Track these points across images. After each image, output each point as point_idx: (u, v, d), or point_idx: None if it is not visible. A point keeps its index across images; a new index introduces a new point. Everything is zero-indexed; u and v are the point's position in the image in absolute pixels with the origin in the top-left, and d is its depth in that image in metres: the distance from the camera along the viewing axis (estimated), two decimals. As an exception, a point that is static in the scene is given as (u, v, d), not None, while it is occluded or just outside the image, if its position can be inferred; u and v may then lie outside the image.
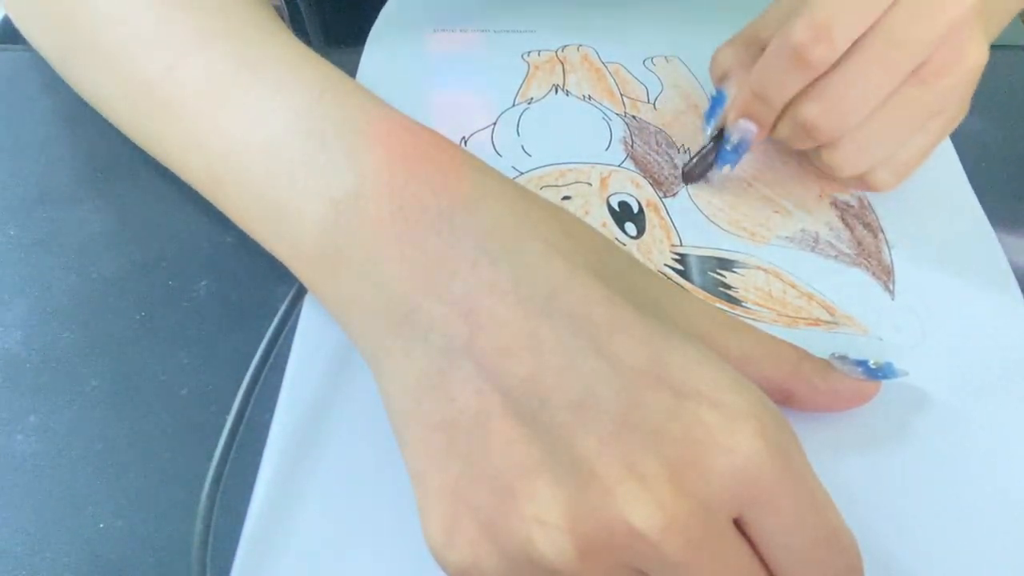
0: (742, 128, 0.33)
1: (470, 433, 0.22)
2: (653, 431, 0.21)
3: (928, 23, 0.28)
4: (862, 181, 0.33)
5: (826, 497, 0.22)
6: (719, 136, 0.34)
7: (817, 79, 0.30)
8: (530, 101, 0.39)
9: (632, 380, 0.22)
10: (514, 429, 0.22)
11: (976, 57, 0.29)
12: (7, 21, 0.38)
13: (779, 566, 0.22)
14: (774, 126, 0.33)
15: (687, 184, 0.36)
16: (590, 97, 0.39)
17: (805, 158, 0.36)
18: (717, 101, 0.34)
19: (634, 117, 0.38)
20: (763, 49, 0.32)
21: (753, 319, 0.31)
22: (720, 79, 0.35)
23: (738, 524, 0.22)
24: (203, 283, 0.32)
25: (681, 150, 0.37)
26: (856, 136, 0.31)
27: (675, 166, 0.36)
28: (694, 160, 0.35)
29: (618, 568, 0.21)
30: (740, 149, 0.34)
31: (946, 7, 0.28)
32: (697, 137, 0.38)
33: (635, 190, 0.35)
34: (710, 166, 0.35)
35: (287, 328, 0.28)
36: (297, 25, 0.51)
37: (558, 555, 0.21)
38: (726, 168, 0.34)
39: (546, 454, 0.21)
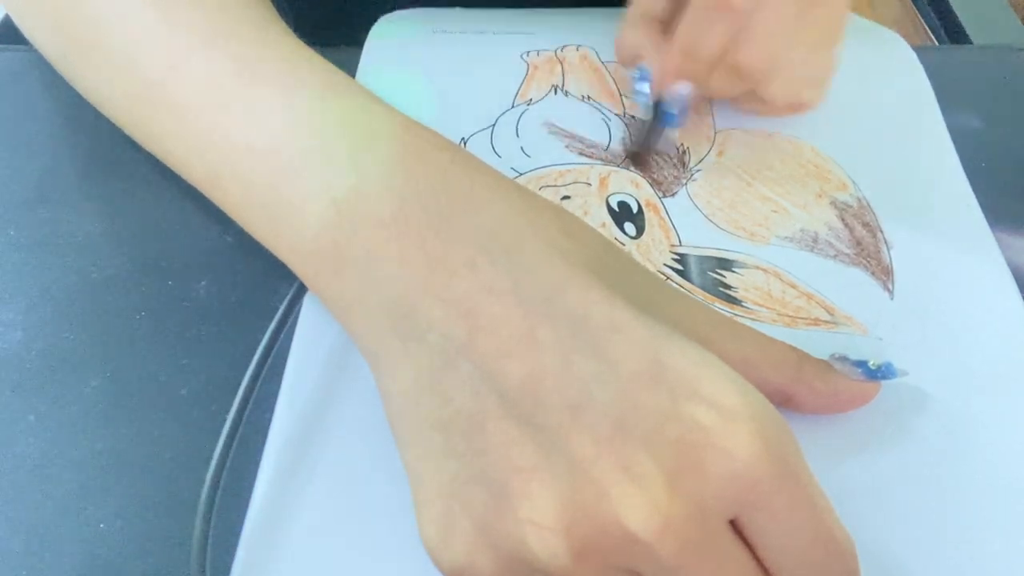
0: (679, 91, 0.35)
1: (467, 433, 0.22)
2: (650, 433, 0.21)
3: None
4: (795, 107, 0.37)
5: (824, 500, 0.22)
6: (654, 111, 0.36)
7: (742, 26, 0.33)
8: (529, 102, 0.39)
9: (630, 382, 0.21)
10: (511, 430, 0.22)
11: None
12: (7, 21, 0.38)
13: (776, 569, 0.22)
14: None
15: (636, 166, 0.36)
16: (589, 98, 0.39)
17: (804, 157, 0.36)
18: (642, 77, 0.36)
19: (633, 117, 0.38)
20: (661, 22, 0.36)
21: (753, 319, 0.31)
22: (631, 59, 0.37)
23: (735, 526, 0.22)
24: (203, 283, 0.32)
25: (680, 149, 0.37)
26: (784, 65, 0.34)
27: (675, 165, 0.36)
28: (638, 141, 0.37)
29: (612, 570, 0.21)
30: (683, 111, 0.35)
31: None
32: (697, 136, 0.38)
33: (634, 190, 0.35)
34: (653, 141, 0.36)
35: (286, 328, 0.28)
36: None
37: (552, 557, 0.21)
38: (673, 132, 0.36)
39: (542, 455, 0.21)
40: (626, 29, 0.37)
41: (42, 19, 0.34)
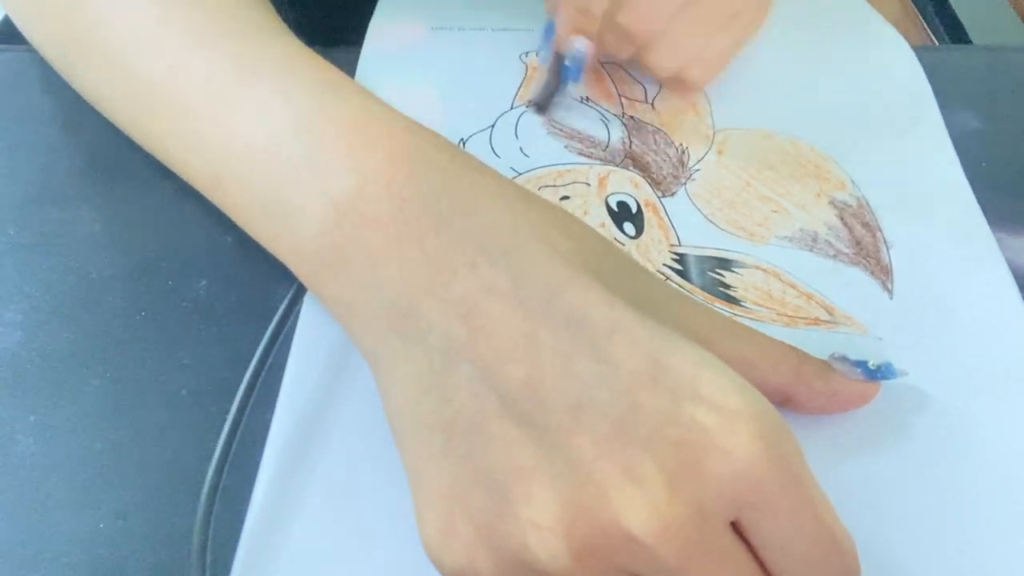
0: (575, 43, 0.36)
1: (467, 435, 0.22)
2: (651, 434, 0.21)
3: None
4: (679, 80, 0.37)
5: (824, 500, 0.22)
6: (556, 63, 0.37)
7: None
8: (528, 104, 0.39)
9: (630, 383, 0.21)
10: (511, 431, 0.22)
11: None
12: (7, 21, 0.38)
13: (777, 569, 0.22)
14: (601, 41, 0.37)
15: (538, 114, 0.38)
16: (587, 99, 0.39)
17: (803, 157, 0.36)
18: (548, 30, 0.38)
19: (632, 117, 0.38)
20: None
21: (752, 319, 0.31)
22: (551, 11, 0.38)
23: (736, 527, 0.22)
24: (203, 283, 0.32)
25: (680, 149, 0.37)
26: (666, 36, 0.36)
27: (674, 165, 0.36)
28: (539, 90, 0.38)
29: (613, 571, 0.21)
30: (578, 63, 0.37)
31: None
32: (696, 136, 0.38)
33: (634, 190, 0.35)
34: (554, 91, 0.38)
35: (287, 328, 0.28)
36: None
37: (552, 558, 0.21)
38: (571, 85, 0.38)
39: (543, 457, 0.21)
40: None
41: (42, 19, 0.34)
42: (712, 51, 0.37)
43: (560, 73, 0.37)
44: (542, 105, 0.38)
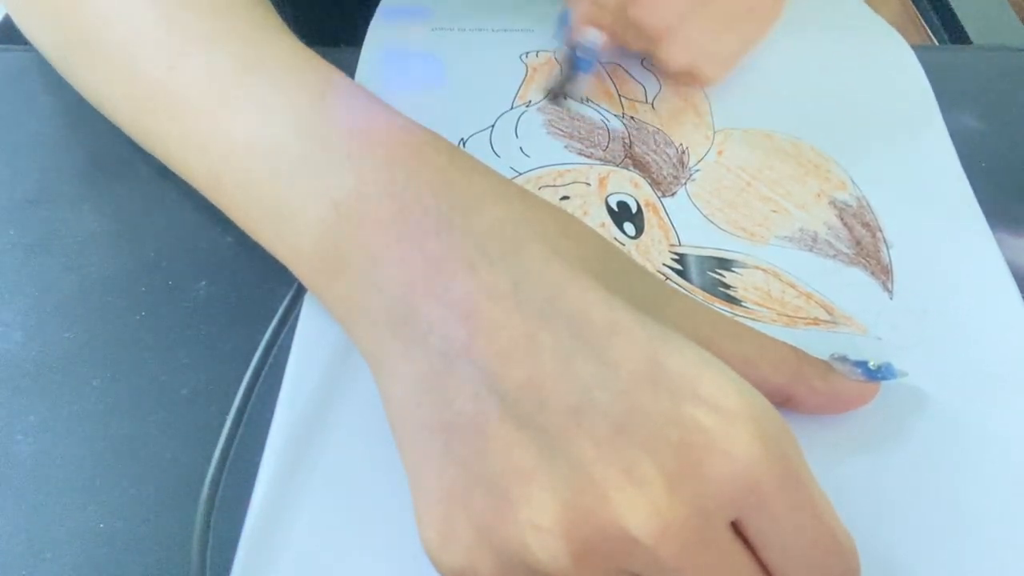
0: (588, 35, 0.37)
1: (467, 436, 0.22)
2: (651, 435, 0.21)
3: None
4: (691, 76, 0.38)
5: (825, 501, 0.22)
6: (570, 54, 0.38)
7: None
8: (528, 104, 0.39)
9: (630, 384, 0.21)
10: (511, 433, 0.22)
11: None
12: (7, 21, 0.38)
13: (777, 570, 0.22)
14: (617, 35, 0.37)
15: (552, 103, 0.39)
16: (588, 100, 0.39)
17: (803, 157, 0.36)
18: (562, 19, 0.38)
19: (632, 117, 0.38)
20: None
21: (752, 319, 0.31)
22: (568, 3, 0.39)
23: (736, 527, 0.22)
24: (203, 283, 0.32)
25: (680, 149, 0.37)
26: (679, 32, 0.36)
27: (674, 165, 0.36)
28: (552, 80, 0.39)
29: (613, 572, 0.21)
30: (591, 54, 0.38)
31: None
32: (696, 136, 0.38)
33: (634, 190, 0.35)
34: (567, 80, 0.39)
35: (287, 328, 0.28)
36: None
37: (552, 560, 0.21)
38: (582, 77, 0.38)
39: (543, 458, 0.21)
40: None
41: (42, 19, 0.34)
42: (724, 48, 0.37)
43: (573, 63, 0.38)
44: (556, 93, 0.38)
